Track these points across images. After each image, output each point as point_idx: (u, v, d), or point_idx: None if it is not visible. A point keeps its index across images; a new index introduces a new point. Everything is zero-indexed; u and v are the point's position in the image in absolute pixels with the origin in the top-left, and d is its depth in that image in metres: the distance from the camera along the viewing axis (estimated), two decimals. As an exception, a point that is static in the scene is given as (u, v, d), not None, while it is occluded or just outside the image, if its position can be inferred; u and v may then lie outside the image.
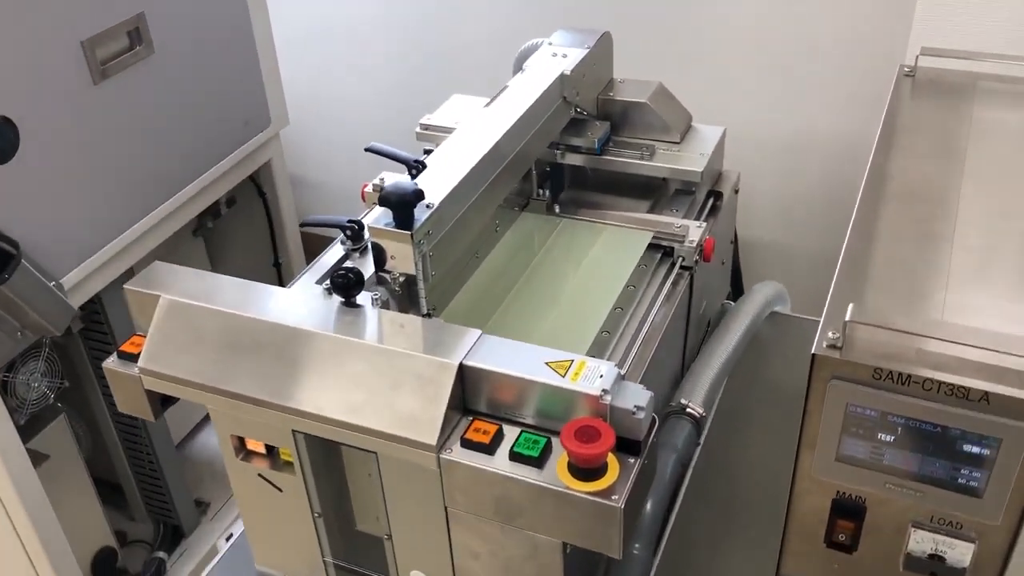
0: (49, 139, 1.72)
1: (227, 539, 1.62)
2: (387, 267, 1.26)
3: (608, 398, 1.08)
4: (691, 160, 1.63)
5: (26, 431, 1.90)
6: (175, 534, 2.36)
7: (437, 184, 1.28)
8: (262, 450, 1.28)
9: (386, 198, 1.19)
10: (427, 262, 1.25)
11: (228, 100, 2.14)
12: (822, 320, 1.05)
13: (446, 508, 1.17)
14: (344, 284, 1.21)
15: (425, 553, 1.24)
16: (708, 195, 1.68)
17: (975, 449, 1.00)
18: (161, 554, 2.31)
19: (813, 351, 1.02)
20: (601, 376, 1.10)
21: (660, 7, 2.35)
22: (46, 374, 1.90)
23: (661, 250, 1.54)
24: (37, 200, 1.72)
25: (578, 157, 1.67)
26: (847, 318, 1.00)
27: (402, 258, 1.23)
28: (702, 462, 1.56)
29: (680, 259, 1.52)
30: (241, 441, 1.29)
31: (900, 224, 1.20)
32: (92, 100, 1.80)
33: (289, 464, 1.26)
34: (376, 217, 1.23)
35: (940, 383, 0.98)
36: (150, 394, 1.27)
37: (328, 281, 1.24)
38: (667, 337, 1.44)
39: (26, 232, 1.69)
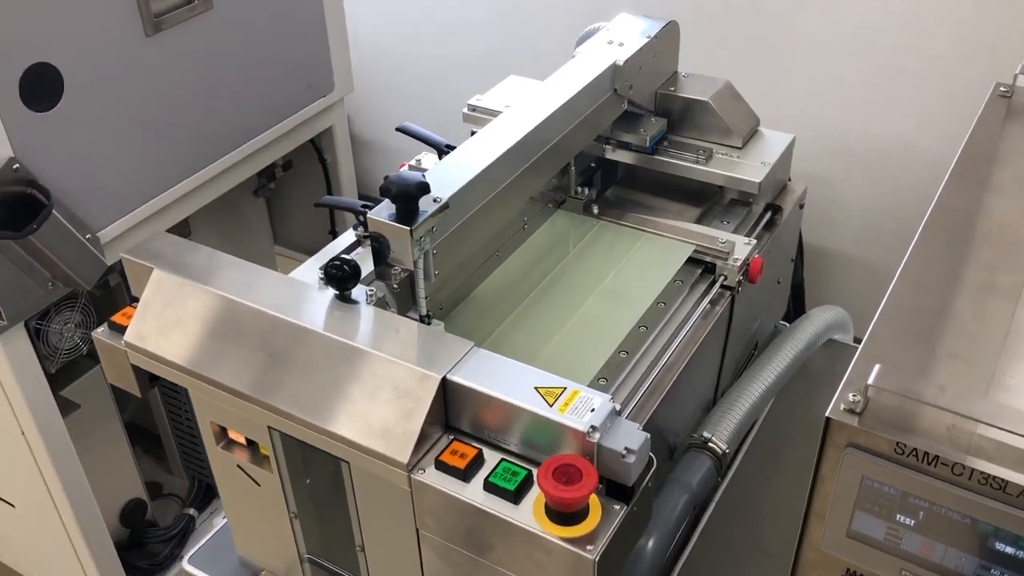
0: (94, 90, 1.69)
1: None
2: (389, 262, 1.18)
3: (596, 436, 0.97)
4: (751, 169, 1.49)
5: (60, 380, 1.90)
6: (208, 492, 2.36)
7: (451, 177, 1.18)
8: (243, 441, 1.22)
9: (387, 189, 1.10)
10: (430, 260, 1.16)
11: (289, 62, 2.08)
12: (845, 378, 0.91)
13: (417, 530, 1.08)
14: (338, 276, 1.14)
15: (398, 571, 1.16)
16: (767, 208, 1.53)
17: (1009, 549, 0.86)
18: (191, 511, 2.31)
19: (828, 414, 0.89)
20: (592, 410, 0.99)
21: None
22: (80, 325, 1.89)
23: (703, 265, 1.40)
24: (76, 151, 1.69)
25: (628, 154, 1.55)
26: (870, 381, 0.86)
27: (401, 254, 1.14)
28: (725, 497, 1.43)
29: (722, 277, 1.38)
30: (223, 429, 1.23)
31: (961, 271, 1.04)
32: (143, 53, 1.76)
33: (267, 459, 1.20)
34: (380, 208, 1.14)
35: (973, 470, 0.84)
36: (136, 369, 1.22)
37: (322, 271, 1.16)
38: (696, 362, 1.32)
39: (62, 183, 1.66)
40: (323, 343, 1.08)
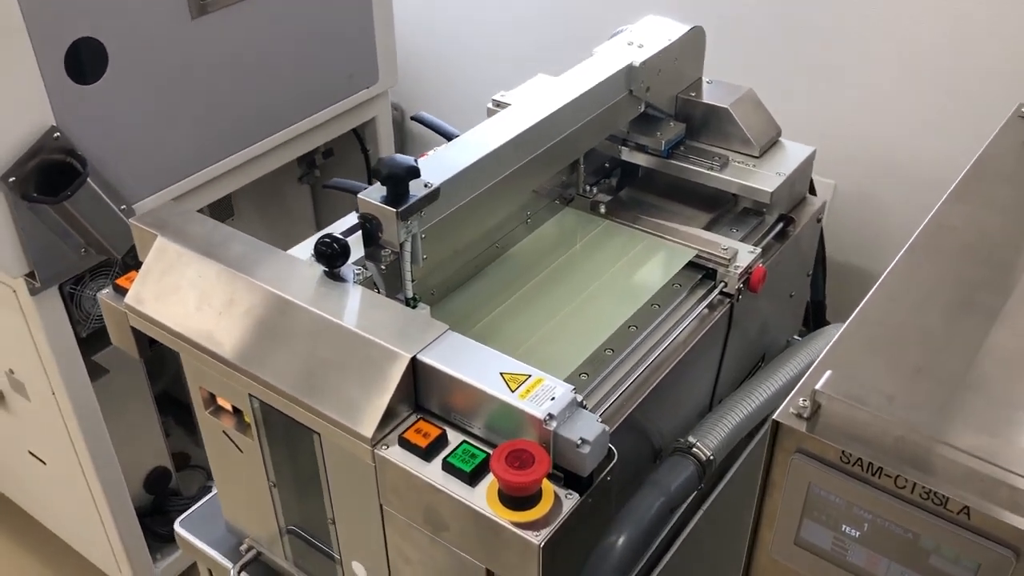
0: (137, 67, 1.75)
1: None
2: (380, 243, 1.20)
3: (553, 424, 0.98)
4: (765, 178, 1.48)
5: (92, 345, 1.97)
6: (232, 467, 2.41)
7: (445, 164, 1.21)
8: (230, 408, 1.25)
9: (377, 170, 1.13)
10: (418, 244, 1.18)
11: (333, 53, 2.13)
12: (800, 383, 0.90)
13: (381, 506, 1.10)
14: (327, 253, 1.16)
15: (365, 546, 1.19)
16: (779, 220, 1.51)
17: (950, 568, 0.84)
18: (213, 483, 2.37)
19: (776, 417, 0.88)
20: (552, 399, 1.00)
21: (818, 10, 2.15)
22: (113, 292, 1.96)
23: (704, 271, 1.40)
24: (116, 124, 1.76)
25: (643, 157, 1.55)
26: (817, 386, 0.85)
27: (388, 235, 1.16)
28: (713, 507, 1.42)
29: (722, 283, 1.37)
30: (212, 395, 1.26)
31: (941, 286, 1.02)
32: (187, 33, 1.82)
33: (250, 427, 1.23)
34: (371, 189, 1.17)
35: (915, 484, 0.82)
36: (136, 332, 1.26)
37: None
38: (687, 366, 1.31)
39: (100, 153, 1.73)
40: (304, 316, 1.11)
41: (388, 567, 1.17)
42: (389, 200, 1.14)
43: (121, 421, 2.06)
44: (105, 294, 1.27)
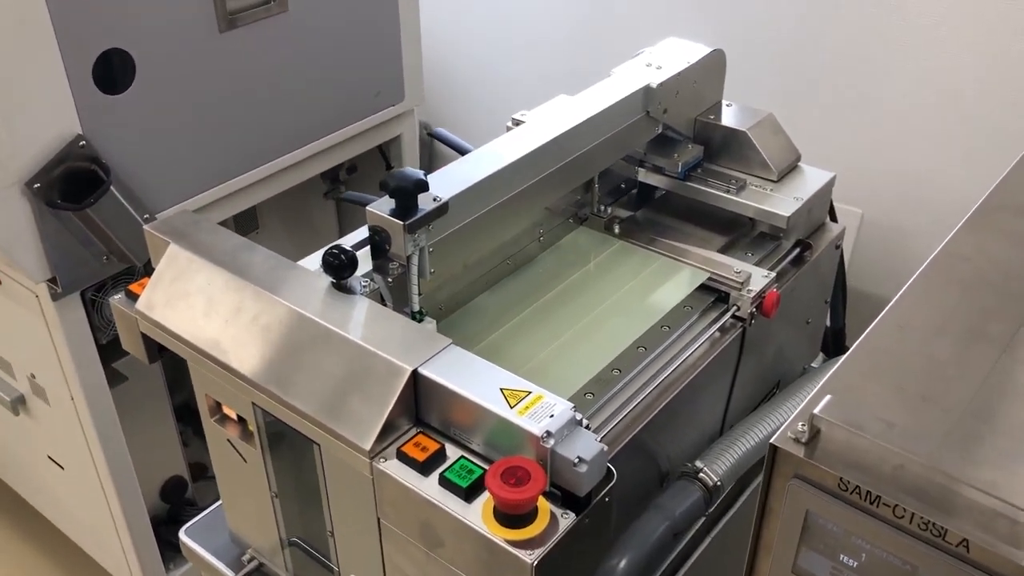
0: (164, 79, 1.78)
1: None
2: (388, 256, 1.20)
3: (551, 442, 0.97)
4: (782, 203, 1.46)
5: (112, 352, 1.99)
6: (248, 479, 2.42)
7: (454, 179, 1.21)
8: (235, 416, 1.26)
9: (385, 183, 1.13)
10: (425, 258, 1.18)
11: (360, 70, 2.14)
12: (799, 408, 0.89)
13: (379, 519, 1.10)
14: (335, 264, 1.16)
15: (364, 560, 1.18)
16: (795, 245, 1.50)
17: (950, 603, 0.82)
18: (230, 495, 2.37)
19: (774, 441, 0.87)
20: (551, 416, 0.99)
21: (851, 40, 2.14)
22: (135, 301, 1.98)
23: (716, 294, 1.38)
24: (141, 135, 1.78)
25: (660, 178, 1.54)
26: (816, 411, 0.84)
27: (395, 248, 1.16)
28: (720, 536, 1.40)
29: (734, 307, 1.36)
30: (218, 404, 1.27)
31: (951, 315, 1.00)
32: (215, 48, 1.85)
33: (254, 436, 1.23)
34: (380, 202, 1.17)
35: (914, 514, 0.80)
36: (146, 338, 1.27)
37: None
38: (695, 389, 1.29)
39: (125, 163, 1.75)
40: (308, 326, 1.11)
41: (385, 583, 1.16)
42: (397, 213, 1.14)
43: (139, 429, 2.07)
44: (117, 299, 1.29)
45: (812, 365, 1.69)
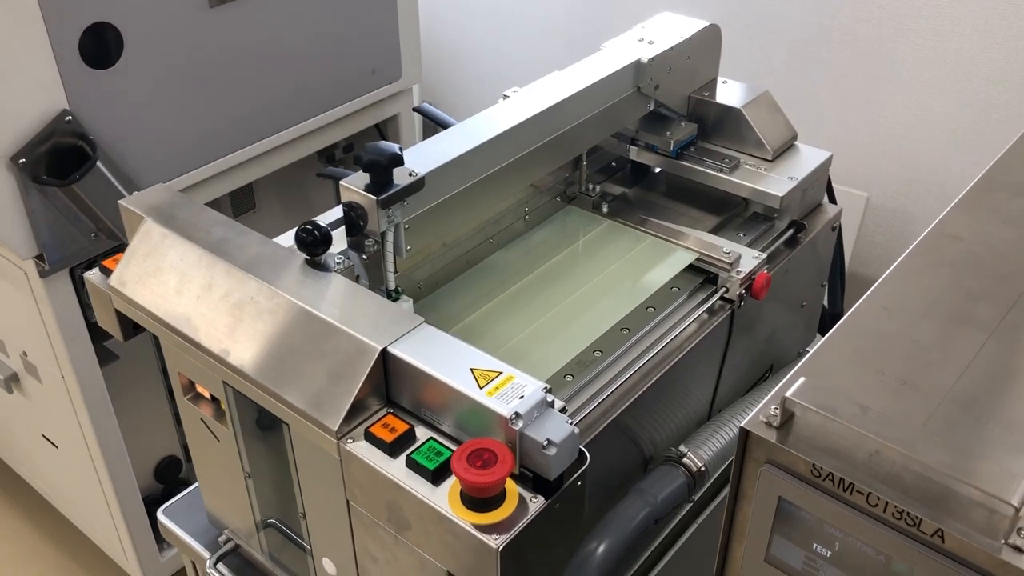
0: (152, 53, 1.75)
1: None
2: (365, 233, 1.17)
3: (520, 424, 0.94)
4: (776, 183, 1.42)
5: (103, 331, 1.97)
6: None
7: (432, 154, 1.17)
8: (208, 395, 1.23)
9: (360, 157, 1.10)
10: (400, 235, 1.15)
11: (356, 47, 2.11)
12: (774, 390, 0.85)
13: (348, 501, 1.07)
14: (308, 241, 1.14)
15: (335, 542, 1.16)
16: (790, 226, 1.45)
17: (925, 595, 0.78)
18: (225, 476, 2.36)
19: (744, 424, 0.83)
20: (521, 397, 0.96)
21: (863, 23, 2.08)
22: (126, 279, 1.96)
23: (705, 275, 1.35)
24: (130, 110, 1.76)
25: (651, 157, 1.50)
26: (788, 394, 0.80)
27: (370, 225, 1.13)
28: (707, 523, 1.37)
29: (723, 288, 1.32)
30: (192, 382, 1.25)
31: (939, 297, 0.96)
32: (204, 23, 1.82)
33: (226, 415, 1.21)
34: (355, 177, 1.14)
35: (887, 502, 0.77)
36: (119, 314, 1.25)
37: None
38: (681, 372, 1.26)
39: (112, 139, 1.73)
40: (279, 304, 1.08)
41: (356, 565, 1.13)
42: (371, 188, 1.11)
43: (132, 408, 2.06)
44: (91, 275, 1.26)
45: (808, 349, 1.65)
